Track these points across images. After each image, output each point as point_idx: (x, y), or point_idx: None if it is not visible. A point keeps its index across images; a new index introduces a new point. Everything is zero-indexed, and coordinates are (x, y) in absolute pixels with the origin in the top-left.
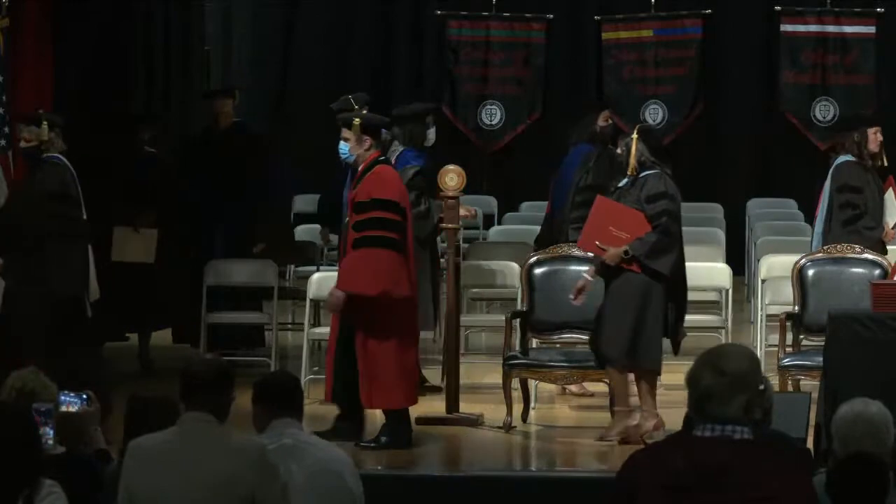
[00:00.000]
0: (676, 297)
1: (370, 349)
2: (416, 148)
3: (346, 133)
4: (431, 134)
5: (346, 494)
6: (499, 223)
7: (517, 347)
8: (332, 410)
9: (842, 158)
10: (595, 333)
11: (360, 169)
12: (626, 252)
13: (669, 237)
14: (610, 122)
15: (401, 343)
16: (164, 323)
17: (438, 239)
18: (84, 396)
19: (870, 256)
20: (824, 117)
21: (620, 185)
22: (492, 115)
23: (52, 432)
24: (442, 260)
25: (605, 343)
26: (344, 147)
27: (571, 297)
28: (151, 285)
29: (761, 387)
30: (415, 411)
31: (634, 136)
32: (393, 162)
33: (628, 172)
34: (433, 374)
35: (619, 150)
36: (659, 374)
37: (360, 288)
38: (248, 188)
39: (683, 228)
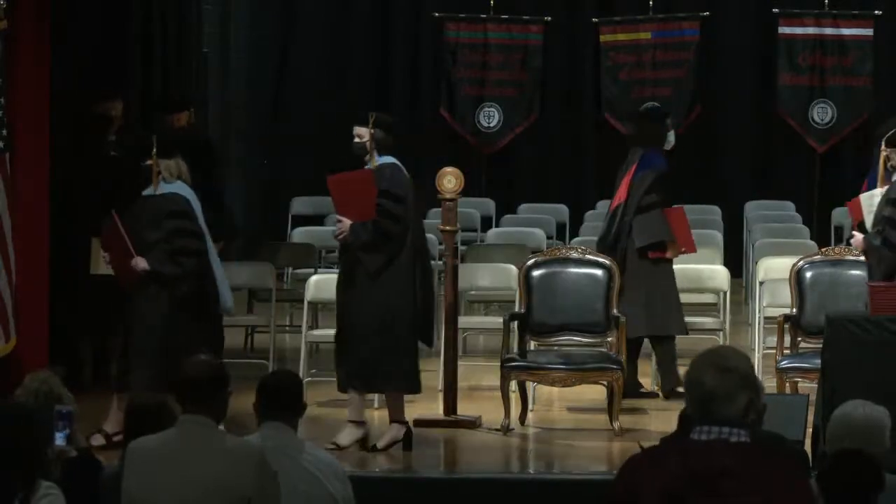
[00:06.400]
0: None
1: None
2: (657, 149)
3: None
4: (672, 136)
5: (327, 499)
6: (497, 225)
7: (515, 350)
8: (326, 413)
9: None
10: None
11: None
12: None
13: None
14: None
15: None
16: None
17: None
18: None
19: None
20: (822, 119)
21: None
22: (490, 117)
23: (65, 435)
24: (440, 262)
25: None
26: None
27: None
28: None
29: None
30: (413, 413)
31: None
32: (635, 164)
33: None
34: (432, 377)
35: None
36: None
37: None
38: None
39: None
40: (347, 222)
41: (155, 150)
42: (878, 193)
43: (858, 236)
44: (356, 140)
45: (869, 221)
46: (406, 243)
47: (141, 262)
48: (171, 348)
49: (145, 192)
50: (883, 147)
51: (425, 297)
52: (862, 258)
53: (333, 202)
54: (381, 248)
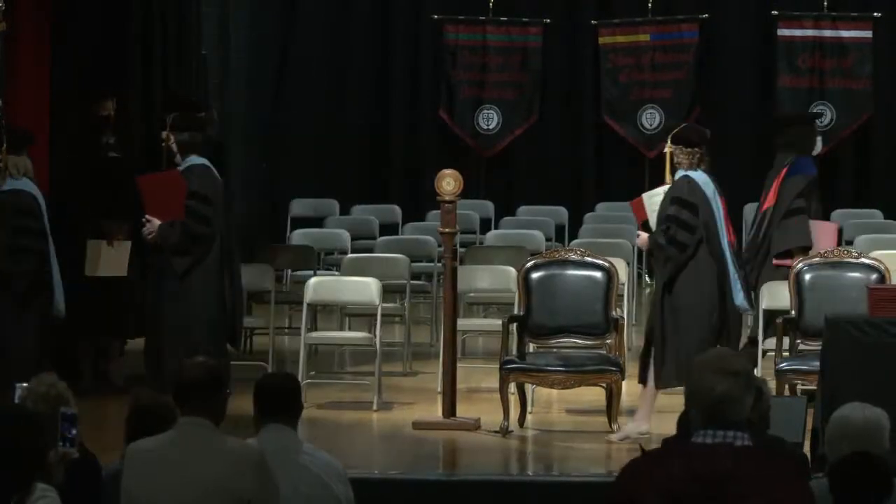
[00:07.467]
0: None
1: None
2: (805, 155)
3: None
4: (819, 142)
5: (330, 500)
6: (496, 227)
7: (514, 352)
8: (325, 415)
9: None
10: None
11: None
12: None
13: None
14: None
15: None
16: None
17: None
18: None
19: (866, 261)
20: (821, 122)
21: None
22: (489, 119)
23: (69, 437)
24: (439, 264)
25: None
26: None
27: None
28: (128, 294)
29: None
30: (412, 415)
31: None
32: (784, 169)
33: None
34: (431, 379)
35: None
36: None
37: None
38: None
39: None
40: (157, 222)
41: (5, 145)
42: (659, 192)
43: (643, 235)
44: (162, 143)
45: (653, 220)
46: (214, 245)
47: None
48: (6, 347)
49: None
50: (669, 145)
51: (235, 299)
52: (863, 260)
53: (143, 202)
54: (189, 250)
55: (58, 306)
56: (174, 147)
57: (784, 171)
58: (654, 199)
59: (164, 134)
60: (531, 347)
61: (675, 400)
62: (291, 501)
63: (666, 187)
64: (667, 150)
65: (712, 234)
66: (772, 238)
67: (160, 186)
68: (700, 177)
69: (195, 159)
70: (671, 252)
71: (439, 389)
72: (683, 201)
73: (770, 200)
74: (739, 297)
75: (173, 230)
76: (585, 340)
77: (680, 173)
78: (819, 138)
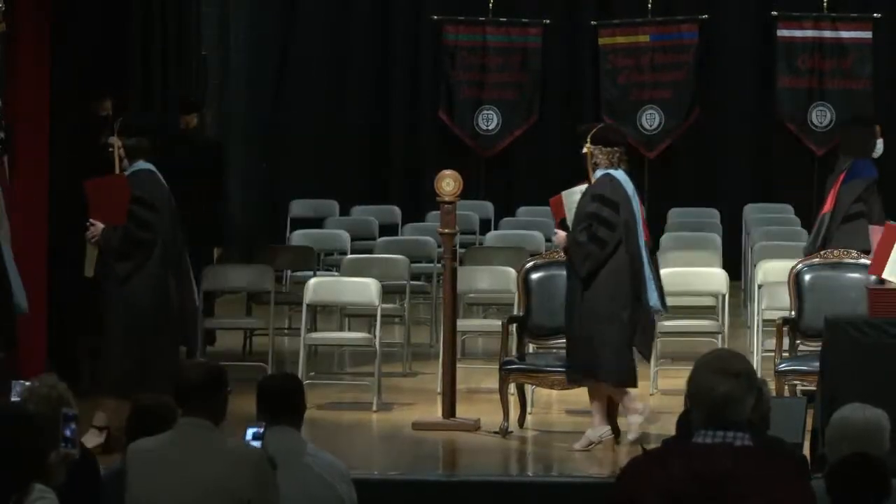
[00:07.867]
0: None
1: None
2: (865, 157)
3: None
4: (880, 145)
5: (335, 501)
6: (495, 228)
7: (514, 352)
8: (325, 416)
9: None
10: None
11: None
12: None
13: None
14: None
15: None
16: None
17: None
18: None
19: (866, 261)
20: (821, 122)
21: None
22: (489, 119)
23: (70, 438)
24: (439, 265)
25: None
26: None
27: None
28: None
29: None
30: (412, 416)
31: None
32: (842, 173)
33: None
34: (431, 379)
35: None
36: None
37: None
38: None
39: (683, 234)
40: (100, 226)
41: None
42: (578, 191)
43: (561, 234)
44: (109, 149)
45: (570, 219)
46: (156, 250)
47: None
48: None
49: None
50: (588, 145)
51: (184, 303)
52: (863, 261)
53: (88, 206)
54: (131, 254)
55: (19, 304)
56: (121, 152)
57: (842, 175)
58: (572, 198)
59: (111, 139)
60: (531, 348)
61: (675, 400)
62: (295, 502)
63: (584, 186)
64: (585, 150)
65: (631, 233)
66: (831, 244)
67: (105, 190)
68: (621, 175)
69: (142, 164)
70: (591, 249)
71: (439, 390)
72: (605, 199)
73: (828, 205)
74: (653, 298)
75: (115, 234)
76: None
77: (601, 171)
78: (880, 140)
